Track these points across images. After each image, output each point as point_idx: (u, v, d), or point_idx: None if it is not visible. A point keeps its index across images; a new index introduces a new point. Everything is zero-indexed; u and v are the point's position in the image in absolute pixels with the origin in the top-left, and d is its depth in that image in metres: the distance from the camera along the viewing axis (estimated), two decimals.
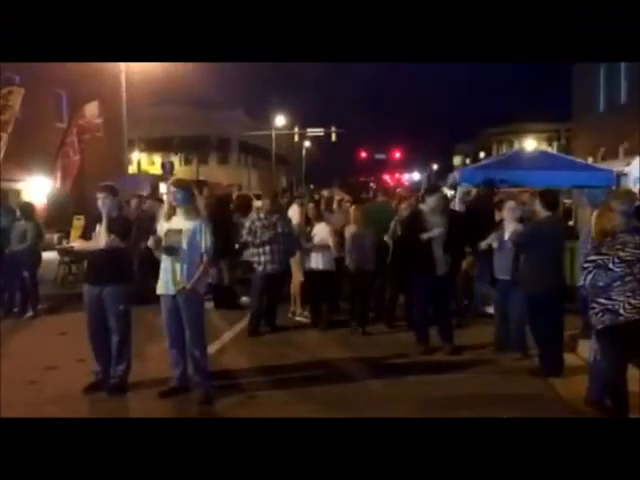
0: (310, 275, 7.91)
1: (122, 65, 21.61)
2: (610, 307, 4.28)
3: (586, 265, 4.40)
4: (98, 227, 5.33)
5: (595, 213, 4.67)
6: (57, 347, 7.04)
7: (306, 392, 5.43)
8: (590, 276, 4.36)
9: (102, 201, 5.31)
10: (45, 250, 9.92)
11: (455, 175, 12.60)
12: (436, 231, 6.42)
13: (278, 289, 8.07)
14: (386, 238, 8.03)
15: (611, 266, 4.26)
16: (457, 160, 47.15)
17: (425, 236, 6.41)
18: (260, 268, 7.56)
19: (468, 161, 45.96)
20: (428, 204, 6.60)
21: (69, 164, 16.45)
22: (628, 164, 14.25)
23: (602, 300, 4.32)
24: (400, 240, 7.29)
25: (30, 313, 8.69)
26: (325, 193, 14.80)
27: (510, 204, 6.67)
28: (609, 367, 4.46)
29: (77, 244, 5.63)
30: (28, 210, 9.05)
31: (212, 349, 6.30)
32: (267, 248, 7.51)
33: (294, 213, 9.03)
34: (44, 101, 20.85)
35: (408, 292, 7.82)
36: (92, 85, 20.56)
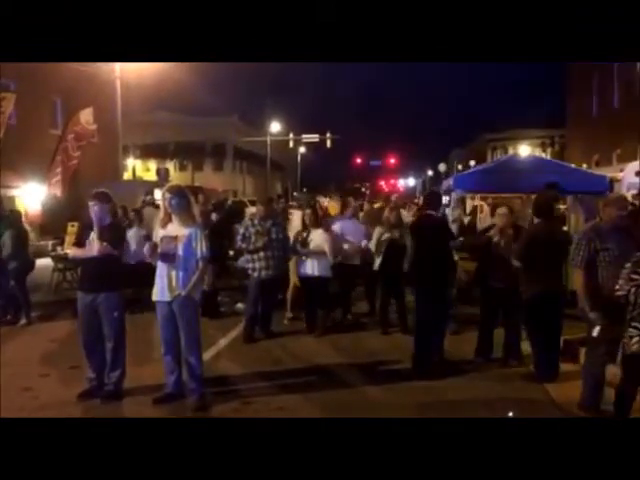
0: (306, 281, 7.91)
1: (117, 71, 21.61)
2: None
3: (635, 277, 4.08)
4: (92, 234, 5.33)
5: None
6: (51, 354, 7.00)
7: (301, 398, 5.41)
8: (636, 290, 4.03)
9: (92, 208, 5.31)
10: (39, 257, 9.88)
11: (449, 181, 12.66)
12: (459, 241, 6.47)
13: (273, 295, 8.07)
14: (371, 245, 8.08)
15: None
16: (442, 167, 47.12)
17: (452, 244, 6.41)
18: (255, 274, 7.56)
19: (460, 167, 46.06)
20: (454, 214, 6.59)
21: (65, 170, 16.45)
22: (621, 170, 14.35)
23: None
24: (425, 248, 6.67)
25: (24, 320, 8.64)
26: (326, 200, 14.87)
27: (500, 210, 6.61)
28: (633, 386, 4.35)
29: (71, 251, 5.62)
30: (15, 217, 9.02)
31: (207, 355, 6.28)
32: (261, 254, 7.51)
33: (297, 219, 9.00)
34: (39, 108, 20.83)
35: (401, 299, 7.87)
36: (87, 91, 20.57)
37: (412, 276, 6.63)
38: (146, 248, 5.16)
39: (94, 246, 5.24)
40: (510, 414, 4.53)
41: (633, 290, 4.10)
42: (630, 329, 4.16)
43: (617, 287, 4.25)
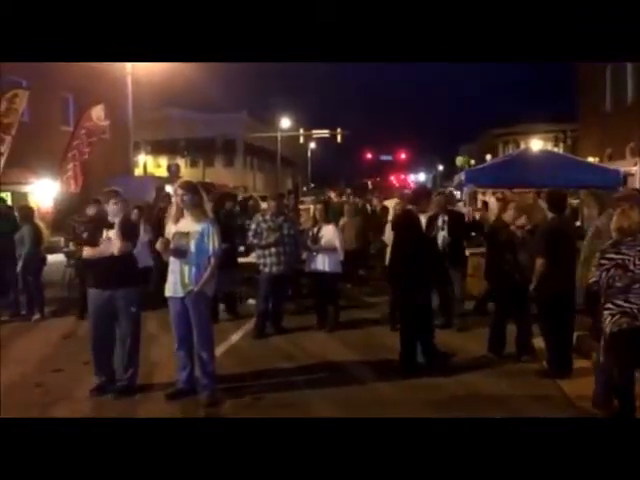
0: (316, 277, 7.91)
1: (128, 68, 21.68)
2: (628, 310, 4.15)
3: (603, 262, 4.26)
4: (105, 232, 5.33)
5: (617, 211, 4.57)
6: (64, 350, 7.06)
7: (312, 394, 5.42)
8: (606, 274, 4.22)
9: (113, 206, 5.33)
10: (52, 253, 9.95)
11: (461, 176, 12.59)
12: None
13: (284, 291, 8.09)
14: (385, 239, 8.09)
15: (631, 267, 4.13)
16: (460, 161, 46.82)
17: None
18: (266, 270, 7.57)
19: (473, 162, 45.79)
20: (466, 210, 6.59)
21: (78, 167, 16.50)
22: (635, 164, 14.19)
23: (619, 302, 4.19)
24: (403, 245, 6.62)
25: (37, 316, 8.73)
26: (334, 195, 15.04)
27: (512, 205, 6.61)
28: (620, 370, 4.37)
29: (86, 251, 5.46)
30: (26, 214, 9.09)
31: (219, 351, 6.28)
32: (273, 250, 7.52)
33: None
34: (51, 104, 20.97)
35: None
36: (98, 88, 20.65)
37: (390, 273, 6.61)
38: (159, 244, 5.18)
39: (116, 244, 5.26)
40: (498, 416, 4.49)
41: (604, 275, 4.23)
42: (605, 312, 4.27)
43: (590, 276, 4.40)
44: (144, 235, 8.41)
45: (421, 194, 6.69)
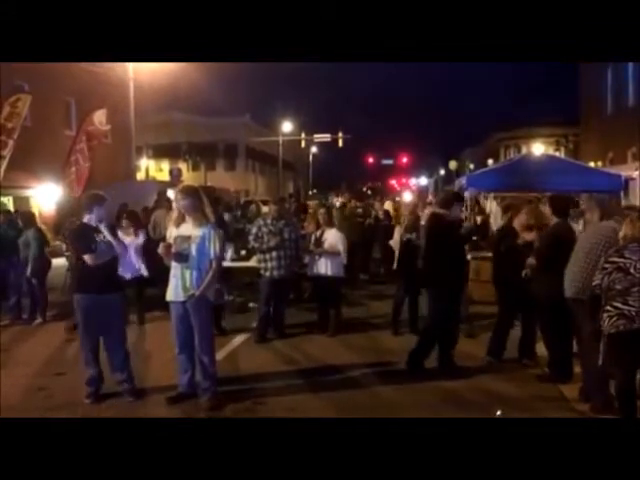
0: (318, 281, 7.91)
1: (130, 72, 21.77)
2: (626, 312, 4.23)
3: (606, 266, 4.35)
4: (97, 236, 5.32)
5: (626, 220, 4.58)
6: (66, 353, 7.06)
7: (313, 398, 5.42)
8: (608, 277, 4.31)
9: (101, 210, 5.36)
10: (54, 257, 9.97)
11: (462, 180, 12.62)
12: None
13: (285, 295, 8.09)
14: (392, 244, 8.11)
15: (632, 271, 4.22)
16: (453, 165, 46.51)
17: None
18: (267, 274, 7.57)
19: (472, 166, 45.68)
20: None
21: (80, 171, 16.52)
22: (637, 169, 14.21)
23: (618, 304, 4.26)
24: (434, 248, 6.47)
25: (39, 320, 8.74)
26: (340, 199, 15.06)
27: (526, 210, 6.67)
28: (619, 372, 4.40)
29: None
30: (29, 218, 9.11)
31: (220, 355, 6.29)
32: (274, 254, 7.52)
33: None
34: (53, 109, 21.05)
35: (413, 298, 7.83)
36: (100, 92, 20.74)
37: (424, 276, 6.58)
38: (160, 248, 5.19)
39: (118, 246, 5.39)
40: (498, 413, 4.52)
41: (605, 278, 4.33)
42: (604, 314, 4.35)
43: (594, 278, 4.50)
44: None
45: (451, 199, 6.46)
